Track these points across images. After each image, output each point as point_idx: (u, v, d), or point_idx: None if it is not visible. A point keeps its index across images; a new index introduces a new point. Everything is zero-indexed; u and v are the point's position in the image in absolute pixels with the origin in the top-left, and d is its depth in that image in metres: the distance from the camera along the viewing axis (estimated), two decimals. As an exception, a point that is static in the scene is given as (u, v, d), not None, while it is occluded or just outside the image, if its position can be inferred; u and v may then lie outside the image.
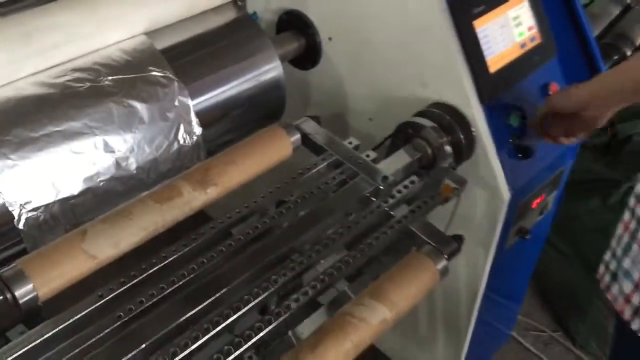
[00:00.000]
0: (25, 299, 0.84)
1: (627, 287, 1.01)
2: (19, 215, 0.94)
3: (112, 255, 0.92)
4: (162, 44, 1.13)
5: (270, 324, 0.90)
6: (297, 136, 1.14)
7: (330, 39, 1.39)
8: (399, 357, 1.82)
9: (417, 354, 1.74)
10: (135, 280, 0.92)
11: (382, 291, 0.95)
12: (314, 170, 1.14)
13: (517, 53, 1.26)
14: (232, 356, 0.86)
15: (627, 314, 1.01)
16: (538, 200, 1.38)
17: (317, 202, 1.09)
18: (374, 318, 0.91)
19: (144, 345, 0.86)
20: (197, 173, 1.02)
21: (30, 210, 0.95)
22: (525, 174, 1.27)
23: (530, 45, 1.29)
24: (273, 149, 1.11)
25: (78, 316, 0.86)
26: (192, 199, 0.99)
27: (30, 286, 0.84)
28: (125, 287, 0.92)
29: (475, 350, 1.64)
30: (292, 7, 1.41)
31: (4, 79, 0.98)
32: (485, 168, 1.22)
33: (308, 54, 1.42)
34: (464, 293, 1.46)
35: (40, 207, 0.96)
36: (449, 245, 1.04)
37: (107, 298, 0.89)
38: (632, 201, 1.00)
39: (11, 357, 0.79)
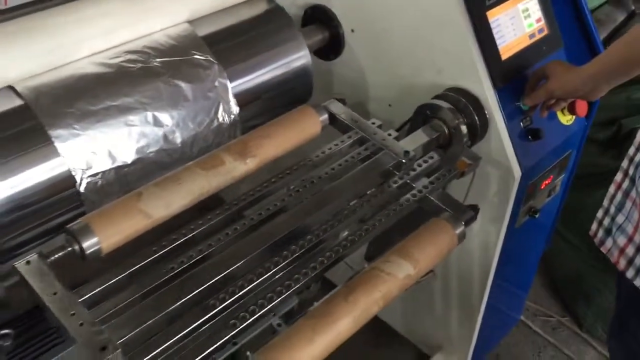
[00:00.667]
0: (91, 250, 0.94)
1: (621, 240, 1.11)
2: (81, 180, 1.05)
3: (164, 216, 1.02)
4: (202, 31, 1.24)
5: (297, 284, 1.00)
6: (325, 115, 1.25)
7: (352, 30, 1.49)
8: (414, 336, 1.92)
9: (431, 333, 1.83)
10: (175, 244, 1.03)
11: (406, 250, 1.05)
12: (341, 147, 1.25)
13: (526, 43, 1.37)
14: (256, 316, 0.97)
15: (621, 264, 1.12)
16: (547, 182, 1.48)
17: (343, 176, 1.20)
18: (400, 273, 1.01)
19: (195, 292, 0.96)
20: (237, 145, 1.13)
21: (90, 176, 1.06)
22: (534, 155, 1.38)
23: (538, 36, 1.40)
24: (304, 127, 1.22)
25: (136, 267, 0.97)
26: (233, 168, 1.10)
27: (95, 239, 0.94)
28: (173, 245, 1.03)
29: (487, 330, 1.73)
30: (317, 2, 1.52)
31: (66, 59, 1.09)
32: (498, 148, 1.33)
33: (331, 46, 1.53)
34: (477, 271, 1.55)
35: (99, 173, 1.07)
36: (466, 212, 1.14)
37: (161, 252, 1.00)
38: (625, 163, 1.11)
39: (86, 296, 0.89)
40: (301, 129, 1.21)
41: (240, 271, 1.03)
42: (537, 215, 1.49)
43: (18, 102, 1.03)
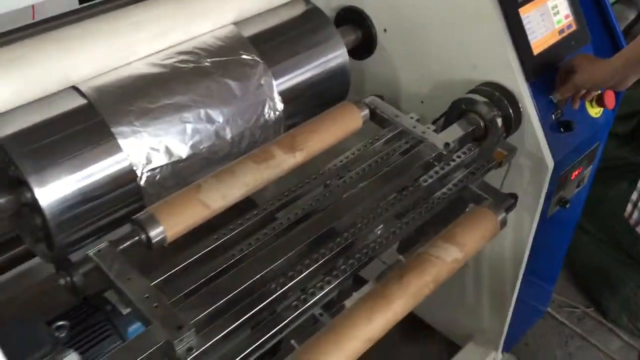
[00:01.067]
0: (157, 239, 1.00)
1: None
2: (141, 174, 1.11)
3: (222, 206, 1.08)
4: (247, 32, 1.30)
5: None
6: (366, 111, 1.31)
7: (385, 30, 1.55)
8: (444, 327, 1.96)
9: (462, 323, 1.88)
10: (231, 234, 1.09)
11: (452, 236, 1.11)
12: (381, 140, 1.30)
13: (556, 38, 1.42)
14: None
15: None
16: (576, 173, 1.53)
17: (384, 167, 1.25)
18: (448, 257, 1.07)
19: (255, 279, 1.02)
20: (286, 139, 1.18)
21: (149, 170, 1.12)
22: (565, 147, 1.42)
23: (567, 32, 1.45)
24: (346, 122, 1.28)
25: (202, 252, 1.03)
26: (282, 161, 1.16)
27: (160, 228, 1.00)
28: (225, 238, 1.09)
29: (517, 320, 1.77)
30: (350, 4, 1.57)
31: (124, 60, 1.15)
32: (531, 140, 1.37)
33: (364, 45, 1.58)
34: (510, 260, 1.60)
35: (157, 168, 1.13)
36: (506, 200, 1.19)
37: (222, 240, 1.06)
38: None
39: (157, 281, 0.95)
40: (344, 123, 1.27)
41: (282, 268, 1.08)
42: (567, 206, 1.54)
43: (82, 101, 1.09)
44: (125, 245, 1.00)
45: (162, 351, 0.90)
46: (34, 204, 1.02)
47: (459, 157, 1.27)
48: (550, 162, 1.38)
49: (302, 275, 1.06)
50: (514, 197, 1.22)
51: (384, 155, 1.26)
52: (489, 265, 1.67)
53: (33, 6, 1.73)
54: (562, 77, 1.37)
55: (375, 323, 0.97)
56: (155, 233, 0.99)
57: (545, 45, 1.39)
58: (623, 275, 2.18)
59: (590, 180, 1.68)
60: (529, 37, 1.35)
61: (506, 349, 1.86)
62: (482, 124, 1.33)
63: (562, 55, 1.42)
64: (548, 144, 1.38)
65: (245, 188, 1.11)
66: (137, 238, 1.00)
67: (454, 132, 1.31)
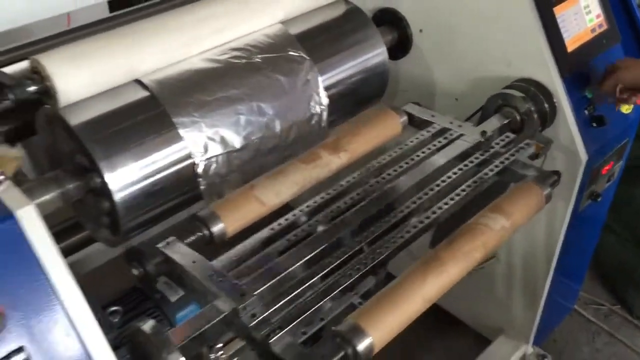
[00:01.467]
0: (218, 234, 1.07)
1: None
2: (199, 162, 1.17)
3: (276, 203, 1.15)
4: (294, 30, 1.36)
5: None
6: (405, 117, 1.40)
7: (420, 30, 1.61)
8: (474, 322, 2.01)
9: (493, 317, 1.92)
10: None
11: (499, 207, 1.17)
12: (421, 139, 1.37)
13: (588, 36, 1.48)
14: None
15: None
16: (607, 167, 1.58)
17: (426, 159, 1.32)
18: (496, 225, 1.12)
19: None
20: (331, 142, 1.27)
21: (206, 159, 1.18)
22: (597, 141, 1.48)
23: (599, 31, 1.50)
24: (387, 126, 1.36)
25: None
26: (329, 161, 1.24)
27: (221, 225, 1.07)
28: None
29: (546, 315, 1.82)
30: (386, 5, 1.64)
31: (183, 56, 1.21)
32: (565, 134, 1.43)
33: (399, 45, 1.65)
34: (542, 252, 1.65)
35: (213, 157, 1.19)
36: (550, 176, 1.25)
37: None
38: None
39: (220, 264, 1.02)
40: (384, 128, 1.36)
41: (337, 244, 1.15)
42: (598, 199, 1.59)
43: (145, 93, 1.16)
44: (189, 240, 1.06)
45: (229, 319, 0.96)
46: (103, 189, 1.08)
47: (497, 143, 1.33)
48: (583, 156, 1.43)
49: (356, 249, 1.12)
50: (557, 173, 1.28)
51: (425, 150, 1.32)
52: (521, 258, 1.71)
53: (68, 14, 1.82)
54: (606, 75, 1.41)
55: (429, 284, 1.02)
56: (217, 229, 1.06)
57: (579, 43, 1.44)
58: (648, 272, 2.22)
59: (619, 176, 1.73)
60: (563, 35, 1.41)
61: (536, 342, 1.90)
62: (518, 118, 1.39)
63: (595, 53, 1.48)
64: (582, 137, 1.43)
65: (297, 186, 1.18)
66: (200, 234, 1.06)
67: (491, 124, 1.37)
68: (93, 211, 1.17)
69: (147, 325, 0.89)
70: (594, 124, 1.45)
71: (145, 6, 1.36)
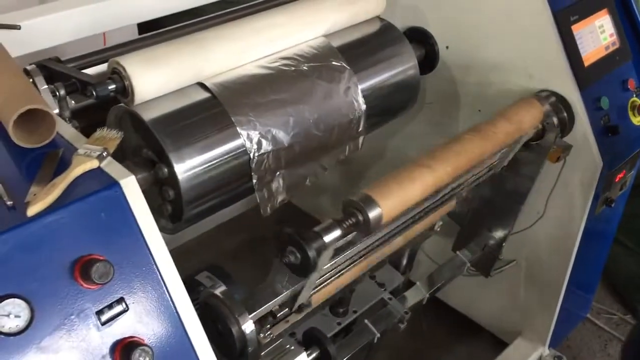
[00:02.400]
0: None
1: None
2: (252, 157, 1.29)
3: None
4: (335, 43, 1.50)
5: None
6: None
7: (447, 47, 1.74)
8: (491, 325, 2.10)
9: (510, 320, 2.02)
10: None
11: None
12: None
13: (602, 53, 1.61)
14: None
15: None
16: (620, 175, 1.70)
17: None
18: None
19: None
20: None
21: (259, 155, 1.30)
22: (612, 149, 1.60)
23: (612, 49, 1.64)
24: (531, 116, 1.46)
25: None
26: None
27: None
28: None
29: (562, 317, 1.91)
30: (416, 24, 1.78)
31: (239, 62, 1.35)
32: (583, 142, 1.55)
33: (427, 61, 1.78)
34: (560, 254, 1.75)
35: (264, 153, 1.31)
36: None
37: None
38: None
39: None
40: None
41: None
42: (612, 205, 1.70)
43: (207, 94, 1.29)
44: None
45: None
46: (171, 178, 1.20)
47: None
48: (600, 162, 1.55)
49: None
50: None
51: None
52: (539, 261, 1.82)
53: (104, 34, 1.98)
54: None
55: (436, 171, 1.13)
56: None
57: (594, 59, 1.58)
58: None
59: (631, 185, 1.84)
60: (581, 51, 1.54)
61: (552, 344, 1.99)
62: (539, 125, 1.51)
63: (609, 68, 1.61)
64: (598, 145, 1.55)
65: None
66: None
67: None
68: (154, 202, 1.28)
69: (219, 290, 1.00)
70: (609, 133, 1.57)
71: (202, 20, 1.50)
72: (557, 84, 1.54)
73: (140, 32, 2.04)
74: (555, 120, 1.49)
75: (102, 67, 1.30)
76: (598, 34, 1.61)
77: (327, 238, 0.98)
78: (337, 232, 0.99)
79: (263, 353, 1.24)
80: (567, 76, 1.52)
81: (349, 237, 1.08)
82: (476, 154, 1.24)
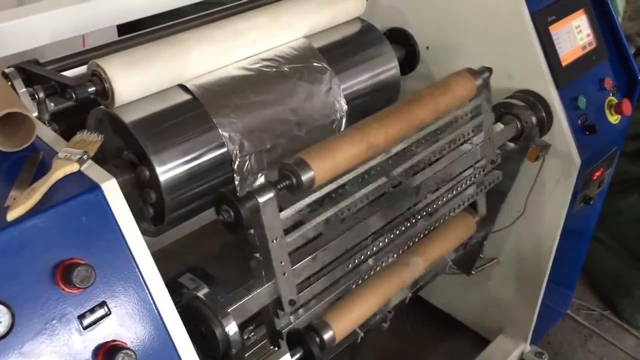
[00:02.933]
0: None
1: None
2: (235, 158, 1.29)
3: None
4: (316, 44, 1.51)
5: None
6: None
7: (427, 47, 1.76)
8: (473, 323, 2.13)
9: (492, 318, 2.04)
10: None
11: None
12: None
13: (579, 53, 1.63)
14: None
15: None
16: (598, 173, 1.72)
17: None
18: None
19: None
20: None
21: (241, 156, 1.31)
22: (589, 148, 1.62)
23: (588, 48, 1.66)
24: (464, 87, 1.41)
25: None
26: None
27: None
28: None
29: (543, 314, 1.94)
30: (396, 25, 1.79)
31: (221, 64, 1.35)
32: (561, 140, 1.57)
33: (407, 61, 1.79)
34: (540, 250, 1.77)
35: (246, 154, 1.31)
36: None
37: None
38: None
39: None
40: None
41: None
42: (590, 202, 1.73)
43: (188, 96, 1.28)
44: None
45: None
46: (153, 181, 1.20)
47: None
48: (577, 160, 1.57)
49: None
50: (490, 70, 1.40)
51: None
52: (520, 259, 1.84)
53: (83, 36, 1.97)
54: None
55: (368, 134, 1.16)
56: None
57: (572, 59, 1.60)
58: (636, 280, 2.36)
59: (609, 183, 1.87)
60: (558, 51, 1.56)
61: (533, 341, 2.01)
62: (518, 125, 1.53)
63: (586, 67, 1.63)
64: (576, 144, 1.57)
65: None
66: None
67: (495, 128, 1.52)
68: (135, 205, 1.28)
69: (202, 292, 1.01)
70: (587, 132, 1.60)
71: (183, 21, 1.50)
72: (536, 83, 1.56)
73: (119, 34, 2.03)
74: (533, 119, 1.51)
75: (82, 70, 1.30)
76: (575, 34, 1.63)
77: (261, 198, 1.00)
78: (270, 193, 1.01)
79: (247, 354, 1.24)
80: (545, 76, 1.54)
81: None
82: (411, 118, 1.27)
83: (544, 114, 1.53)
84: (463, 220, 1.57)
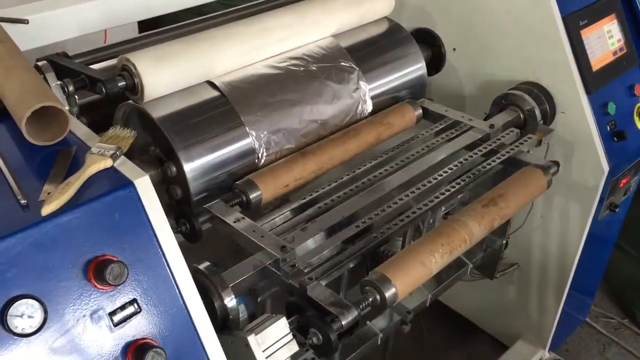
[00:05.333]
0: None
1: None
2: (260, 156, 1.28)
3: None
4: (344, 43, 1.49)
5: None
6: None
7: (454, 49, 1.74)
8: (492, 328, 2.11)
9: (511, 323, 2.02)
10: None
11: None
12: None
13: (610, 58, 1.61)
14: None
15: None
16: (624, 181, 1.70)
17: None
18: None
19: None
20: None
21: (267, 154, 1.30)
22: (618, 155, 1.60)
23: (619, 54, 1.64)
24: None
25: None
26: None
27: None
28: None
29: (562, 321, 1.92)
30: (423, 26, 1.77)
31: (249, 62, 1.34)
32: (589, 146, 1.55)
33: (434, 63, 1.77)
34: (563, 257, 1.75)
35: (272, 152, 1.31)
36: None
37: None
38: None
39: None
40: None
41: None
42: (617, 210, 1.70)
43: (216, 93, 1.28)
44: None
45: (270, 271, 1.09)
46: (180, 177, 1.19)
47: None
48: (606, 167, 1.55)
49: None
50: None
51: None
52: (541, 265, 1.82)
53: (105, 31, 1.97)
54: None
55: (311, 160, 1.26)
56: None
57: (602, 64, 1.58)
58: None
59: (635, 191, 1.84)
60: (589, 56, 1.54)
61: (552, 348, 1.99)
62: (521, 116, 1.53)
63: (616, 73, 1.61)
64: (604, 150, 1.55)
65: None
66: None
67: (500, 118, 1.52)
68: (161, 201, 1.27)
69: (203, 266, 1.02)
70: (615, 139, 1.57)
71: (206, 18, 1.48)
72: (564, 88, 1.53)
73: (140, 31, 2.03)
74: (537, 111, 1.51)
75: (107, 64, 1.30)
76: (606, 39, 1.60)
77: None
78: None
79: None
80: (575, 80, 1.51)
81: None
82: (354, 146, 1.36)
83: (547, 106, 1.53)
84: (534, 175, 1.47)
